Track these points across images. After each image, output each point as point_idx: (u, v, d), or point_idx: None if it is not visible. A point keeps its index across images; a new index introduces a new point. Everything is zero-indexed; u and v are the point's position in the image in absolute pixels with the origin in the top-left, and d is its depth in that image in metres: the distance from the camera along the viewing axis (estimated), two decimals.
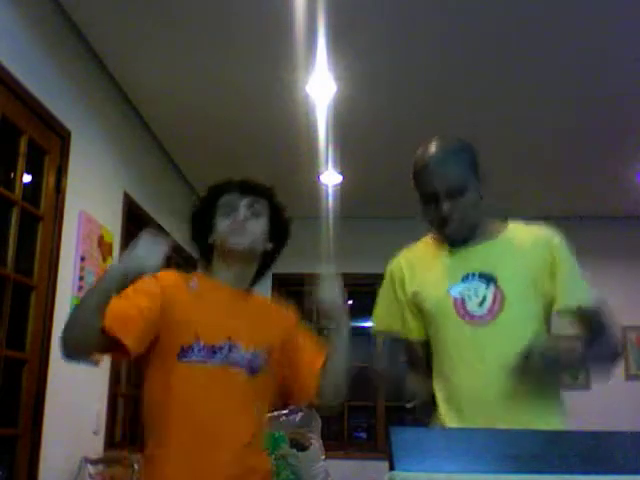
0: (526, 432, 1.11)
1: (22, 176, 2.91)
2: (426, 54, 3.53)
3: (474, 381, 1.70)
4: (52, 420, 2.99)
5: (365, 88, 3.86)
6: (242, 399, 1.61)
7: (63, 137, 3.22)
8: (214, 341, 1.58)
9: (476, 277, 1.75)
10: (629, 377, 5.70)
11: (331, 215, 5.52)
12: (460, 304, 1.74)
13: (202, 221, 1.76)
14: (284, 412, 3.24)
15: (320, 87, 3.76)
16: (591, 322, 1.74)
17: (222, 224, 1.70)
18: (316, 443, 3.10)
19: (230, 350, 1.59)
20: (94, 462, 3.24)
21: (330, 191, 5.31)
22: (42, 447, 2.93)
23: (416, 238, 1.98)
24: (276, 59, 3.50)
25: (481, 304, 1.72)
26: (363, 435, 6.20)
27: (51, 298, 3.05)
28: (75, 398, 3.20)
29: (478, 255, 1.78)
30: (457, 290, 1.75)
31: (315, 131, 4.19)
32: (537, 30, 3.30)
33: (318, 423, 3.30)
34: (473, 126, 3.92)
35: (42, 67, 3.05)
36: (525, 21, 3.22)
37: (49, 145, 3.13)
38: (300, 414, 3.22)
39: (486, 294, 1.72)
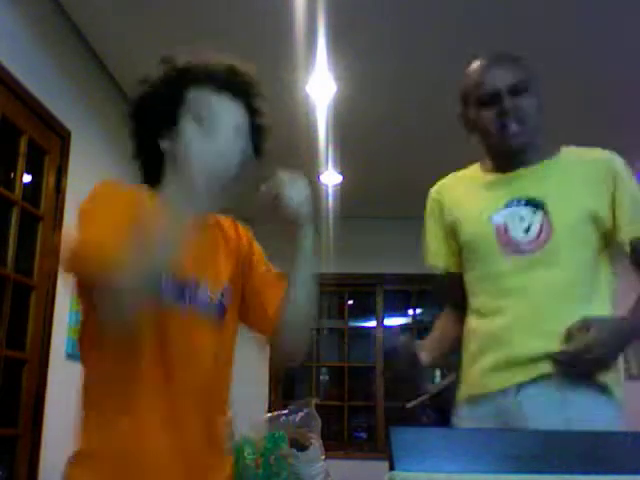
0: (526, 432, 1.11)
1: (22, 176, 2.91)
2: (426, 54, 3.53)
3: (516, 318, 1.53)
4: (52, 420, 2.99)
5: (365, 88, 3.86)
6: (210, 351, 1.29)
7: (63, 137, 3.22)
8: (183, 276, 1.24)
9: (522, 203, 1.58)
10: (629, 377, 5.69)
11: (331, 215, 5.53)
12: (503, 232, 1.56)
13: (154, 116, 1.34)
14: (284, 412, 3.24)
15: (320, 87, 3.77)
16: None
17: (196, 146, 1.26)
18: (316, 443, 3.10)
19: (197, 289, 1.27)
20: None
21: (330, 191, 5.32)
22: (42, 447, 2.93)
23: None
24: (276, 59, 3.50)
25: (526, 231, 1.54)
26: (363, 435, 6.20)
27: (51, 298, 3.05)
28: (75, 398, 3.20)
29: (526, 178, 1.61)
30: (500, 217, 1.58)
31: (315, 131, 4.19)
32: (538, 29, 3.30)
33: (318, 423, 3.29)
34: None
35: (42, 67, 3.05)
36: (526, 21, 3.22)
37: (49, 145, 3.13)
38: (300, 414, 3.22)
39: (532, 221, 1.55)
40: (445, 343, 1.75)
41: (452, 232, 1.69)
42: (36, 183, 3.09)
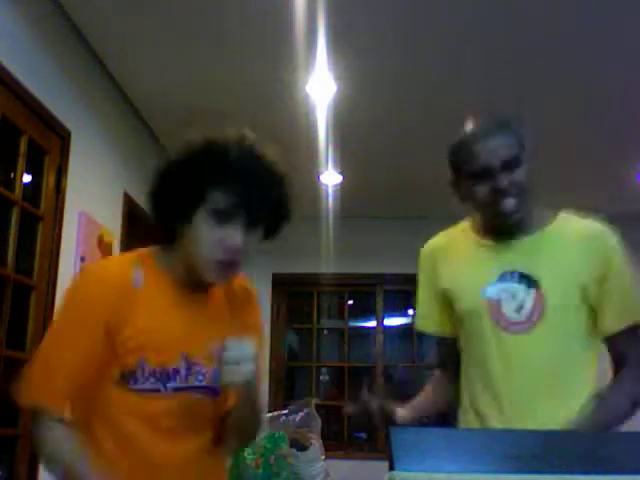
0: (526, 432, 1.11)
1: (22, 176, 2.91)
2: (426, 54, 3.53)
3: (500, 394, 1.54)
4: None
5: (365, 88, 3.86)
6: (205, 433, 1.35)
7: (63, 137, 3.22)
8: (166, 362, 1.27)
9: (516, 277, 1.56)
10: None
11: (331, 215, 5.53)
12: (495, 307, 1.56)
13: (175, 200, 1.30)
14: (284, 412, 3.23)
15: (320, 87, 3.76)
16: (626, 347, 1.57)
17: (206, 237, 1.27)
18: (316, 443, 3.10)
19: (188, 371, 1.29)
20: None
21: (330, 191, 5.31)
22: None
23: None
24: (276, 59, 3.50)
25: (519, 310, 1.54)
26: (363, 435, 6.20)
27: (51, 298, 3.05)
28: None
29: (520, 250, 1.59)
30: (493, 291, 1.57)
31: (315, 131, 4.19)
32: (539, 30, 3.30)
33: (318, 423, 3.29)
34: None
35: (42, 67, 3.05)
36: (528, 21, 3.22)
37: (49, 145, 3.13)
38: (300, 414, 3.22)
39: (525, 299, 1.54)
40: (426, 408, 1.76)
41: (445, 299, 1.68)
42: (36, 183, 3.09)
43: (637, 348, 1.58)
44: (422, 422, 1.71)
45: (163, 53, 3.55)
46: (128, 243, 4.05)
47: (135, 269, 1.32)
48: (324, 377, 6.48)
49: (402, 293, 6.10)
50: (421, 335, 1.81)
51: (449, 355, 1.72)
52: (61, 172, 3.19)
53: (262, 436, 3.09)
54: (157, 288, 1.32)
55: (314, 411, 3.33)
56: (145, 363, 1.26)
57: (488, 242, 1.64)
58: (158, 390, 1.27)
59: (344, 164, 4.88)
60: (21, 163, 2.90)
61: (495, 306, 1.56)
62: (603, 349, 1.61)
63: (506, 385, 1.54)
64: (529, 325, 1.53)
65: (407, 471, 0.86)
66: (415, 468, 0.86)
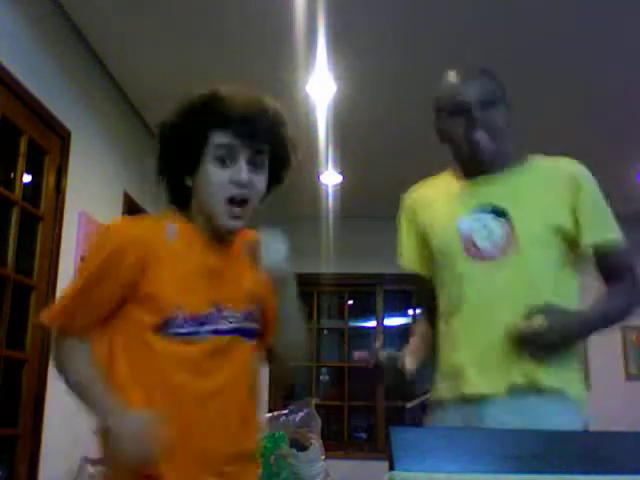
0: (526, 432, 1.11)
1: (22, 176, 2.91)
2: (426, 54, 3.53)
3: (475, 323, 1.59)
4: (52, 420, 2.99)
5: (365, 88, 3.86)
6: (243, 371, 1.41)
7: (63, 137, 3.22)
8: (199, 309, 1.34)
9: (487, 210, 1.64)
10: (629, 377, 5.70)
11: (331, 215, 5.53)
12: (468, 238, 1.63)
13: (179, 156, 1.40)
14: (284, 412, 3.24)
15: (320, 87, 3.77)
16: (610, 266, 1.64)
17: (214, 178, 1.35)
18: (316, 443, 3.10)
19: (218, 319, 1.36)
20: (94, 462, 3.24)
21: (330, 191, 5.32)
22: (42, 447, 2.93)
23: None
24: (276, 59, 3.50)
25: (489, 238, 1.61)
26: (363, 435, 6.20)
27: (51, 298, 3.05)
28: (75, 398, 3.20)
29: (492, 186, 1.67)
30: (466, 224, 1.64)
31: (315, 131, 4.19)
32: (539, 30, 3.30)
33: (318, 423, 3.29)
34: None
35: (42, 67, 3.05)
36: (528, 21, 3.22)
37: (49, 145, 3.13)
38: (300, 414, 3.22)
39: (497, 229, 1.61)
40: (425, 347, 1.80)
41: (423, 237, 1.75)
42: (36, 183, 3.09)
43: (623, 264, 1.65)
44: (426, 367, 1.75)
45: (163, 53, 3.55)
46: None
47: (168, 223, 1.41)
48: (324, 377, 6.48)
49: (402, 293, 6.10)
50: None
51: (429, 295, 1.76)
52: (61, 172, 3.19)
53: (262, 436, 3.09)
54: (189, 241, 1.39)
55: (314, 411, 3.33)
56: (180, 309, 1.32)
57: (462, 184, 1.73)
58: (195, 333, 1.33)
59: (344, 164, 4.88)
60: (21, 163, 2.90)
61: (468, 236, 1.63)
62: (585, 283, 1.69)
63: (475, 311, 1.59)
64: (499, 252, 1.59)
65: (407, 471, 0.86)
66: (415, 468, 0.86)
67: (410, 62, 3.59)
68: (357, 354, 1.84)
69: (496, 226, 1.61)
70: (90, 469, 3.17)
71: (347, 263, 5.75)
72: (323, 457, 3.17)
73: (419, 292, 1.88)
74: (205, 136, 1.36)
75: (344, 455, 5.55)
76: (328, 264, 5.61)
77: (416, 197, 1.82)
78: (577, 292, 1.67)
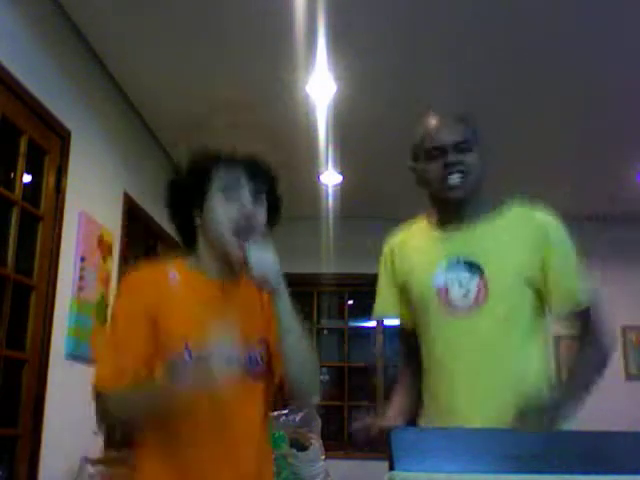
0: (526, 432, 1.10)
1: (22, 176, 2.91)
2: (426, 54, 3.53)
3: (449, 379, 1.66)
4: (52, 420, 2.99)
5: (365, 88, 3.86)
6: (242, 410, 1.46)
7: (63, 137, 3.22)
8: (203, 347, 1.37)
9: (462, 264, 1.68)
10: (629, 377, 5.70)
11: (331, 215, 5.53)
12: (443, 294, 1.68)
13: (187, 194, 1.50)
14: (284, 412, 3.24)
15: (320, 87, 3.77)
16: (584, 323, 1.68)
17: (222, 210, 1.44)
18: (316, 443, 3.10)
19: (224, 350, 1.38)
20: (94, 462, 3.24)
21: (330, 191, 5.32)
22: (42, 447, 2.93)
23: None
24: (276, 59, 3.50)
25: (466, 295, 1.66)
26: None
27: (51, 298, 3.05)
28: (75, 398, 3.20)
29: (467, 239, 1.72)
30: (441, 279, 1.70)
31: (315, 131, 4.19)
32: (539, 30, 3.30)
33: (318, 423, 3.29)
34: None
35: (42, 67, 3.05)
36: (528, 21, 3.22)
37: (49, 145, 3.13)
38: (300, 414, 3.22)
39: (470, 286, 1.66)
40: (408, 406, 1.81)
41: (403, 291, 1.83)
42: (36, 183, 3.08)
43: (592, 326, 1.68)
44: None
45: (163, 53, 3.55)
46: (128, 243, 4.06)
47: (170, 269, 1.50)
48: (324, 377, 6.48)
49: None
50: (380, 323, 2.02)
51: (410, 343, 1.82)
52: (61, 172, 3.19)
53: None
54: (190, 284, 1.48)
55: (314, 411, 3.33)
56: (189, 350, 1.38)
57: (438, 233, 1.78)
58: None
59: (344, 164, 4.88)
60: (21, 163, 2.89)
61: (443, 293, 1.68)
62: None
63: (449, 369, 1.66)
64: (474, 309, 1.64)
65: (407, 471, 0.86)
66: (415, 468, 0.86)
67: (410, 62, 3.59)
68: (355, 425, 1.82)
69: (470, 282, 1.66)
70: (90, 469, 3.17)
71: (347, 263, 5.74)
72: (323, 457, 3.17)
73: (402, 337, 1.92)
74: (212, 171, 1.47)
75: (344, 455, 5.54)
76: (328, 264, 5.61)
77: (395, 249, 1.88)
78: (547, 338, 1.73)
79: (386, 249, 1.92)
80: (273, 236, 1.52)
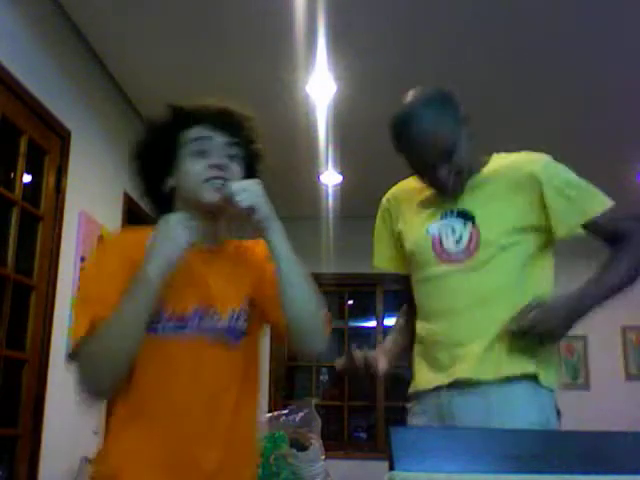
0: (526, 432, 1.11)
1: (22, 176, 2.91)
2: (426, 54, 3.53)
3: (444, 323, 1.68)
4: (52, 420, 2.99)
5: (365, 88, 3.86)
6: (225, 372, 1.38)
7: (63, 137, 3.22)
8: (183, 309, 1.34)
9: (454, 214, 1.71)
10: (629, 377, 5.70)
11: (331, 215, 5.53)
12: (438, 242, 1.71)
13: (157, 156, 1.45)
14: (284, 412, 3.23)
15: (320, 87, 3.77)
16: (610, 232, 1.72)
17: (193, 168, 1.39)
18: (316, 443, 3.10)
19: (202, 318, 1.35)
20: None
21: (330, 191, 5.32)
22: (42, 447, 2.93)
23: None
24: (276, 59, 3.50)
25: (458, 242, 1.68)
26: (363, 435, 6.20)
27: (51, 298, 3.05)
28: (75, 398, 3.20)
29: (461, 194, 1.73)
30: (435, 228, 1.73)
31: (315, 131, 4.19)
32: (539, 30, 3.30)
33: (318, 423, 3.29)
34: (474, 125, 3.92)
35: (42, 67, 3.05)
36: (528, 21, 3.22)
37: (49, 145, 3.13)
38: (300, 414, 3.22)
39: (463, 233, 1.69)
40: (400, 344, 1.89)
41: (399, 241, 1.85)
42: (36, 183, 3.09)
43: (622, 226, 1.74)
44: (399, 373, 1.84)
45: (163, 53, 3.55)
46: None
47: (152, 232, 1.39)
48: (324, 377, 6.48)
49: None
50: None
51: (408, 292, 1.85)
52: (61, 172, 3.19)
53: (262, 436, 3.09)
54: None
55: (314, 411, 3.33)
56: (164, 310, 1.33)
57: (434, 191, 1.78)
58: (179, 329, 1.33)
59: (344, 164, 4.88)
60: (21, 163, 2.90)
61: (437, 241, 1.71)
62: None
63: (446, 311, 1.68)
64: (466, 255, 1.66)
65: (407, 471, 0.86)
66: (415, 468, 0.86)
67: (410, 62, 3.59)
68: (337, 364, 1.83)
69: (463, 230, 1.69)
70: (90, 469, 3.17)
71: (347, 263, 5.74)
72: (323, 457, 3.16)
73: (400, 290, 1.96)
74: (180, 133, 1.42)
75: (344, 455, 5.55)
76: (328, 264, 5.60)
77: (392, 202, 1.91)
78: (548, 282, 1.73)
79: (384, 200, 1.96)
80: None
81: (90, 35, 3.42)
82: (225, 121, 1.46)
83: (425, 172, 1.70)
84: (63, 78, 3.26)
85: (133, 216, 4.13)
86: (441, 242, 1.71)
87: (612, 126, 4.26)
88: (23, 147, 2.91)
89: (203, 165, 1.38)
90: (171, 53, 3.54)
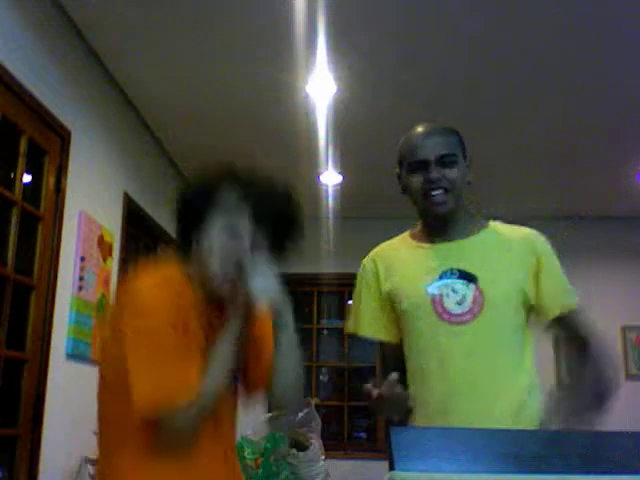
0: (526, 432, 1.11)
1: (22, 176, 2.91)
2: (426, 54, 3.53)
3: (443, 386, 1.63)
4: (52, 420, 2.99)
5: (365, 88, 3.86)
6: (225, 421, 1.45)
7: (63, 137, 3.22)
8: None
9: (455, 275, 1.67)
10: (629, 377, 5.69)
11: (331, 215, 5.53)
12: (438, 302, 1.65)
13: (191, 212, 1.43)
14: (284, 412, 3.23)
15: (320, 87, 3.77)
16: (574, 325, 1.70)
17: (216, 244, 1.37)
18: (316, 443, 3.10)
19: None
20: (94, 462, 3.24)
21: (330, 191, 5.32)
22: (42, 447, 2.93)
23: None
24: (276, 59, 3.50)
25: (461, 303, 1.64)
26: (363, 435, 6.20)
27: (51, 298, 3.05)
28: (75, 398, 3.20)
29: (459, 252, 1.71)
30: (435, 287, 1.67)
31: (315, 131, 4.19)
32: (541, 29, 3.30)
33: (318, 423, 3.29)
34: (474, 125, 3.92)
35: (42, 67, 3.05)
36: (529, 19, 3.22)
37: (49, 145, 3.13)
38: (300, 414, 3.22)
39: (466, 293, 1.64)
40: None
41: (388, 301, 1.75)
42: (36, 183, 3.08)
43: (584, 330, 1.70)
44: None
45: (163, 53, 3.55)
46: (128, 243, 4.06)
47: (177, 277, 1.41)
48: (324, 377, 6.48)
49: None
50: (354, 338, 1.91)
51: (397, 362, 1.74)
52: (61, 172, 3.19)
53: (262, 436, 3.09)
54: (189, 299, 1.39)
55: (314, 411, 3.33)
56: None
57: (427, 245, 1.75)
58: None
59: (344, 164, 4.88)
60: (21, 163, 2.89)
61: (437, 301, 1.65)
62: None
63: (445, 374, 1.63)
64: (471, 316, 1.62)
65: (407, 471, 0.86)
66: (415, 468, 0.86)
67: (410, 62, 3.59)
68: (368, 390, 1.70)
69: (466, 290, 1.64)
70: (90, 469, 3.17)
71: (347, 263, 5.72)
72: (323, 457, 3.16)
73: (385, 358, 1.84)
74: (219, 194, 1.39)
75: (344, 455, 5.55)
76: (328, 264, 5.60)
77: (378, 261, 1.81)
78: (534, 350, 1.72)
79: (367, 262, 1.84)
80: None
81: (90, 35, 3.42)
82: (261, 208, 1.39)
83: (416, 173, 1.68)
84: (63, 78, 3.26)
85: (133, 216, 4.13)
86: (442, 302, 1.65)
87: (612, 126, 4.26)
88: (23, 147, 2.91)
89: (229, 253, 1.36)
90: (171, 53, 3.53)
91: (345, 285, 6.16)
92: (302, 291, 6.16)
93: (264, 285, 1.34)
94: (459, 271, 1.67)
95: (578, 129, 4.32)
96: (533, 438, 0.97)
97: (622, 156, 4.72)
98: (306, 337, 6.34)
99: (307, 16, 3.10)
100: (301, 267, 5.82)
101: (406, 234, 1.84)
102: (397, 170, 1.81)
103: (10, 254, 2.78)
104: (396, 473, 0.86)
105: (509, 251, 1.70)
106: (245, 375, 1.50)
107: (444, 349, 1.63)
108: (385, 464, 0.90)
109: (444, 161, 1.67)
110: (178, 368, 1.29)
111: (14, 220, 2.82)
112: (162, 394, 1.27)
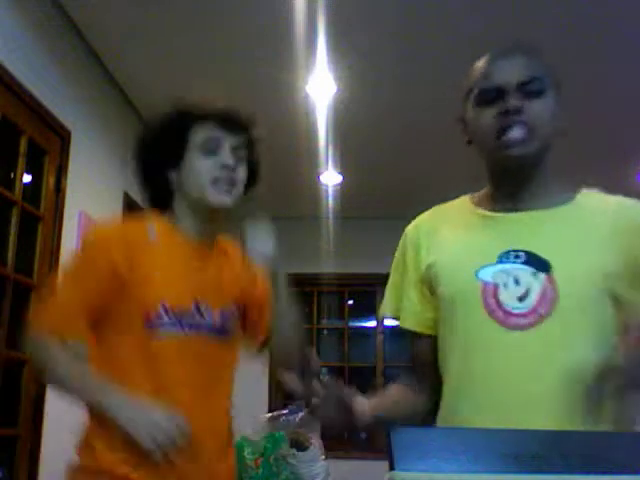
0: (526, 432, 1.11)
1: (22, 176, 2.91)
2: (427, 54, 3.53)
3: (486, 409, 1.21)
4: (52, 420, 2.99)
5: (365, 88, 3.86)
6: (217, 369, 1.48)
7: (63, 137, 3.22)
8: (180, 305, 1.40)
9: (521, 258, 1.20)
10: None
11: (331, 215, 5.53)
12: (492, 292, 1.19)
13: (163, 148, 1.48)
14: (284, 412, 3.23)
15: (320, 87, 3.77)
16: None
17: (202, 166, 1.43)
18: (316, 443, 3.10)
19: (198, 314, 1.41)
20: None
21: (330, 191, 5.32)
22: (42, 447, 2.93)
23: None
24: (276, 59, 3.50)
25: (522, 299, 1.18)
26: (363, 435, 6.20)
27: None
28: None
29: (531, 227, 1.23)
30: (490, 274, 1.20)
31: (315, 131, 4.19)
32: (540, 30, 3.30)
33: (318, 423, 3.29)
34: None
35: (42, 67, 3.05)
36: (528, 19, 3.22)
37: (49, 145, 3.13)
38: (300, 414, 3.22)
39: (531, 286, 1.18)
40: (402, 406, 1.38)
41: (427, 282, 1.30)
42: (36, 183, 3.09)
43: None
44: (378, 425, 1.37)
45: (163, 53, 3.55)
46: None
47: (149, 224, 1.47)
48: (324, 377, 6.48)
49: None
50: (381, 323, 1.78)
51: (425, 358, 1.35)
52: (61, 172, 3.19)
53: (262, 436, 3.08)
54: (170, 241, 1.46)
55: None
56: (165, 306, 1.38)
57: (488, 212, 1.28)
58: (179, 329, 1.39)
59: (344, 164, 4.88)
60: (21, 163, 2.90)
61: (491, 292, 1.20)
62: None
63: (490, 396, 1.21)
64: (535, 319, 1.16)
65: (407, 471, 0.86)
66: (415, 468, 0.86)
67: (410, 62, 3.59)
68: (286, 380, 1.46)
69: (532, 282, 1.19)
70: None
71: (347, 263, 5.74)
72: (323, 457, 3.16)
73: (417, 355, 1.40)
74: (191, 129, 1.46)
75: (344, 455, 5.55)
76: (328, 264, 5.60)
77: (422, 230, 1.36)
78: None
79: (410, 230, 1.38)
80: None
81: (90, 35, 3.42)
82: (235, 123, 1.49)
83: (489, 105, 1.23)
84: (63, 78, 3.26)
85: (133, 216, 4.13)
86: (497, 295, 1.19)
87: (612, 126, 4.26)
88: (23, 147, 2.91)
89: (212, 164, 1.42)
90: (171, 53, 3.54)
91: (345, 285, 6.17)
92: (302, 291, 6.16)
93: (262, 248, 1.42)
94: (526, 254, 1.20)
95: (578, 129, 4.32)
96: (533, 438, 0.96)
97: (622, 156, 4.72)
98: (306, 337, 6.34)
99: (307, 16, 3.10)
100: (301, 267, 5.84)
101: (465, 198, 1.37)
102: (459, 115, 1.33)
103: (10, 254, 2.78)
104: (396, 473, 0.86)
105: (599, 230, 1.22)
106: (248, 327, 1.55)
107: (493, 356, 1.20)
108: (385, 464, 0.90)
109: (528, 89, 1.23)
110: (73, 302, 1.39)
111: (14, 220, 2.82)
112: (46, 318, 1.40)
